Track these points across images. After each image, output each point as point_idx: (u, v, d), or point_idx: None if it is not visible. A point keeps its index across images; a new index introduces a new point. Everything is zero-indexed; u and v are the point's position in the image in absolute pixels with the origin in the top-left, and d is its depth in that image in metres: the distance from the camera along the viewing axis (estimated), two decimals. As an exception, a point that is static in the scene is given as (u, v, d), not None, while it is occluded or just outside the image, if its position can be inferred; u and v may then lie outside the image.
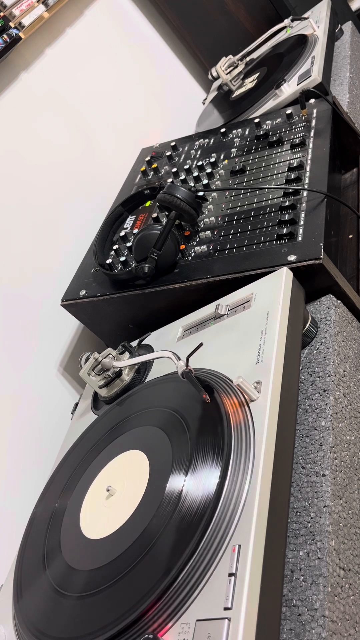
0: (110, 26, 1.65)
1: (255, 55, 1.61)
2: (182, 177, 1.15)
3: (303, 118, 1.08)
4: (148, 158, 1.35)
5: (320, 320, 0.77)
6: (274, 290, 0.73)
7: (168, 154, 1.30)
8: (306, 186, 0.91)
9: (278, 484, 0.55)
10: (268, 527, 0.51)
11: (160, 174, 1.27)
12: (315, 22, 1.39)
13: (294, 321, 0.71)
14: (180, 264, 0.94)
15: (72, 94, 1.45)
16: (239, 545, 0.50)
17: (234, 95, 1.49)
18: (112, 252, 1.07)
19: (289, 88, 1.21)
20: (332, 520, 0.57)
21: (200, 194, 1.03)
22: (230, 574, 0.48)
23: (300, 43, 1.36)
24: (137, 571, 0.57)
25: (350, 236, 0.98)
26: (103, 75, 1.57)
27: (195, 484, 0.59)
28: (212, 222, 0.98)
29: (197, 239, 0.97)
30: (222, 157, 1.16)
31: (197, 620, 0.48)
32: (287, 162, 0.99)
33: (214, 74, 1.57)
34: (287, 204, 0.88)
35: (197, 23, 1.82)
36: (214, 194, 1.05)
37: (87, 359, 0.88)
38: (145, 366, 0.87)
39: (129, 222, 1.17)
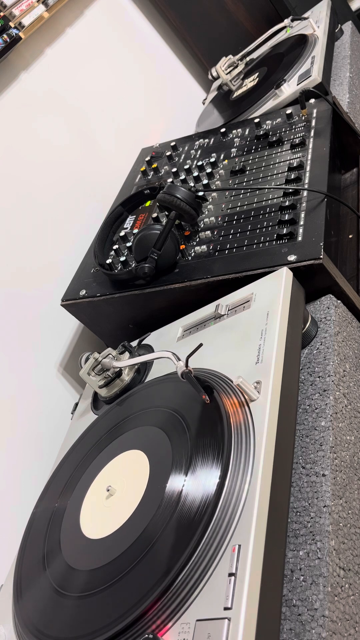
0: (110, 26, 1.65)
1: (255, 55, 1.61)
2: (182, 177, 1.15)
3: (303, 118, 1.08)
4: (148, 158, 1.35)
5: (320, 320, 0.77)
6: (274, 290, 0.73)
7: (168, 154, 1.30)
8: (306, 186, 0.91)
9: (278, 484, 0.55)
10: (268, 527, 0.51)
11: (160, 174, 1.27)
12: (315, 22, 1.39)
13: (294, 321, 0.71)
14: (180, 264, 0.94)
15: (72, 94, 1.45)
16: (239, 545, 0.50)
17: (234, 95, 1.49)
18: (112, 252, 1.07)
19: (289, 88, 1.21)
20: (332, 520, 0.57)
21: (200, 194, 1.03)
22: (230, 574, 0.48)
23: (300, 43, 1.36)
24: (137, 571, 0.57)
25: (350, 236, 0.98)
26: (103, 75, 1.57)
27: (195, 484, 0.59)
28: (212, 222, 0.98)
29: (197, 239, 0.97)
30: (222, 157, 1.16)
31: (197, 620, 0.48)
32: (287, 162, 0.99)
33: (214, 74, 1.57)
34: (287, 204, 0.88)
35: (197, 23, 1.82)
36: (214, 194, 1.05)
37: (87, 359, 0.88)
38: (145, 366, 0.87)
39: (129, 222, 1.17)
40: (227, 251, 0.89)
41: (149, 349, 0.89)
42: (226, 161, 1.13)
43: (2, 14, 1.28)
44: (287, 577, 0.55)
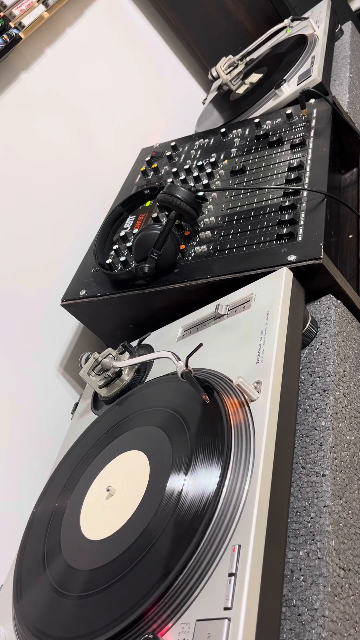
0: (110, 26, 1.65)
1: (255, 55, 1.61)
2: (182, 177, 1.15)
3: (303, 118, 1.08)
4: (148, 158, 1.35)
5: (320, 320, 0.77)
6: (274, 290, 0.73)
7: (168, 154, 1.30)
8: (306, 186, 0.91)
9: (278, 484, 0.55)
10: (268, 527, 0.51)
11: (160, 174, 1.27)
12: (315, 22, 1.39)
13: (294, 321, 0.71)
14: (180, 264, 0.94)
15: (72, 94, 1.45)
16: (239, 545, 0.50)
17: (234, 95, 1.49)
18: (112, 252, 1.07)
19: (289, 88, 1.21)
20: (332, 520, 0.57)
21: (200, 194, 1.03)
22: (230, 574, 0.48)
23: (300, 43, 1.36)
24: (137, 571, 0.57)
25: (350, 236, 0.98)
26: (103, 75, 1.57)
27: (195, 483, 0.59)
28: (212, 222, 0.98)
29: (197, 239, 0.97)
30: (222, 157, 1.16)
31: (197, 620, 0.48)
32: (287, 162, 0.99)
33: (214, 74, 1.57)
34: (287, 204, 0.88)
35: (197, 23, 1.82)
36: (214, 194, 1.05)
37: (87, 359, 0.88)
38: (145, 366, 0.87)
39: (129, 222, 1.17)
40: (227, 251, 0.89)
41: (149, 349, 0.89)
42: (226, 161, 1.13)
43: (2, 14, 1.28)
44: (287, 577, 0.55)
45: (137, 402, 0.80)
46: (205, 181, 1.08)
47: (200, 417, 0.66)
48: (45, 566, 0.69)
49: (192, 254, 0.94)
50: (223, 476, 0.56)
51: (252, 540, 0.49)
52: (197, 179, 1.12)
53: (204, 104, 1.71)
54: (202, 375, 0.70)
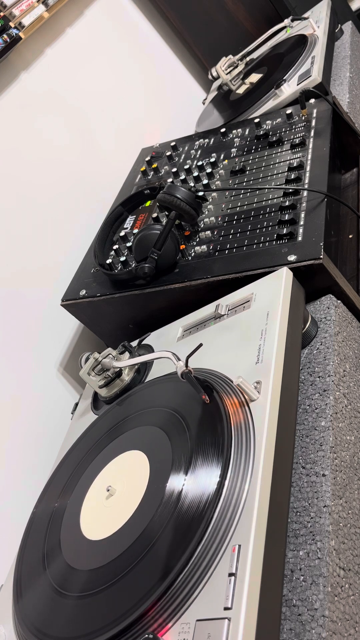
0: (110, 26, 1.65)
1: (255, 55, 1.61)
2: (182, 177, 1.15)
3: (303, 118, 1.08)
4: (148, 158, 1.35)
5: (320, 320, 0.77)
6: (274, 290, 0.73)
7: (168, 154, 1.30)
8: (306, 186, 0.91)
9: (278, 484, 0.55)
10: (268, 527, 0.51)
11: (160, 174, 1.27)
12: (315, 22, 1.39)
13: (294, 321, 0.71)
14: (180, 264, 0.94)
15: (72, 94, 1.45)
16: (239, 545, 0.50)
17: (234, 95, 1.49)
18: (112, 252, 1.07)
19: (289, 88, 1.21)
20: (332, 520, 0.57)
21: (200, 194, 1.03)
22: (230, 574, 0.48)
23: (300, 43, 1.36)
24: (137, 571, 0.57)
25: (350, 236, 0.98)
26: (103, 75, 1.57)
27: (195, 483, 0.59)
28: (212, 222, 0.98)
29: (197, 239, 0.97)
30: (222, 157, 1.16)
31: (197, 620, 0.48)
32: (287, 162, 0.99)
33: (214, 74, 1.57)
34: (287, 204, 0.88)
35: (197, 23, 1.82)
36: (214, 194, 1.05)
37: (87, 359, 0.88)
38: (145, 366, 0.87)
39: (129, 222, 1.17)
40: (227, 251, 0.89)
41: (149, 349, 0.89)
42: (226, 161, 1.13)
43: (2, 14, 1.28)
44: (287, 577, 0.55)
45: (137, 402, 0.80)
46: (205, 181, 1.08)
47: (200, 417, 0.66)
48: (45, 566, 0.69)
49: (192, 254, 0.94)
50: (223, 476, 0.56)
51: (252, 540, 0.50)
52: (197, 179, 1.12)
53: (204, 104, 1.71)
54: (202, 375, 0.70)
